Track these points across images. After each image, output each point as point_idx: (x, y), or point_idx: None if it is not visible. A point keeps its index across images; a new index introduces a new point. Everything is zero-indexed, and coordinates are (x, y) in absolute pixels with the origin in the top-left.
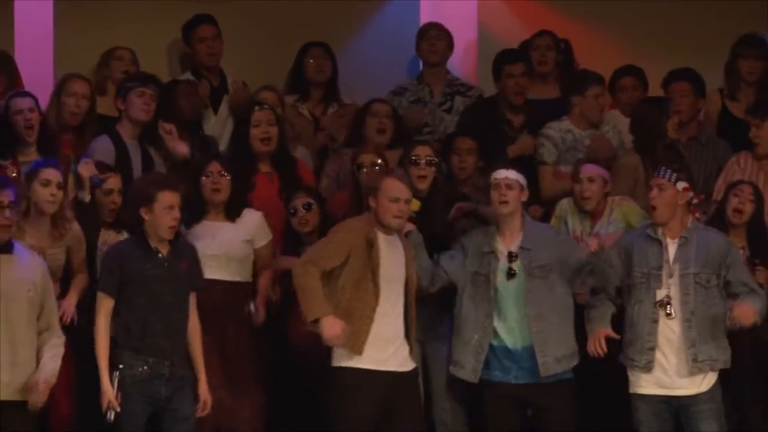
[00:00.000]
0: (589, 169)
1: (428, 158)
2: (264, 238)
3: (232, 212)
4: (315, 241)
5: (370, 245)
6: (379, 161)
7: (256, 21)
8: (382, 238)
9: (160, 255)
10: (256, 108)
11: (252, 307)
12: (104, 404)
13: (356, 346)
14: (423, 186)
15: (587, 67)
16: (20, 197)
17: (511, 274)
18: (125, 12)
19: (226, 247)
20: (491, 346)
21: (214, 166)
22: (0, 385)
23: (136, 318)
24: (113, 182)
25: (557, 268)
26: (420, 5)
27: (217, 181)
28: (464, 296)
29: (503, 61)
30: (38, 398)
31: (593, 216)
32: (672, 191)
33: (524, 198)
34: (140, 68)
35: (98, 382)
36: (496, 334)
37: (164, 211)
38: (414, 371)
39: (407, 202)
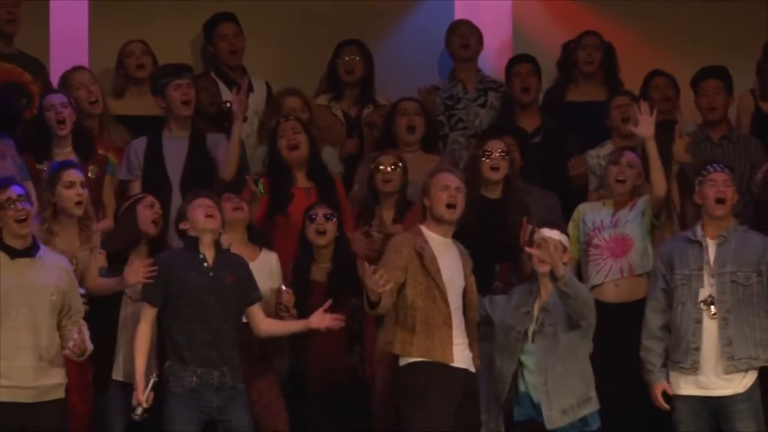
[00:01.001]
0: (631, 157)
1: (501, 151)
2: (278, 282)
3: (257, 239)
4: (327, 258)
5: (421, 256)
6: (399, 163)
7: (289, 19)
8: (437, 242)
9: (205, 264)
10: (281, 120)
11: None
12: (134, 402)
13: (446, 355)
14: (496, 177)
15: (622, 66)
16: (45, 203)
17: (534, 339)
18: (159, 11)
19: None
20: (520, 392)
21: (229, 196)
22: (24, 389)
23: (182, 328)
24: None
25: (566, 320)
26: (455, 4)
27: (238, 204)
28: (495, 345)
29: (511, 63)
30: (78, 342)
31: (615, 204)
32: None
33: (565, 260)
34: (157, 58)
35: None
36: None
37: (198, 209)
38: (476, 374)
39: (458, 190)
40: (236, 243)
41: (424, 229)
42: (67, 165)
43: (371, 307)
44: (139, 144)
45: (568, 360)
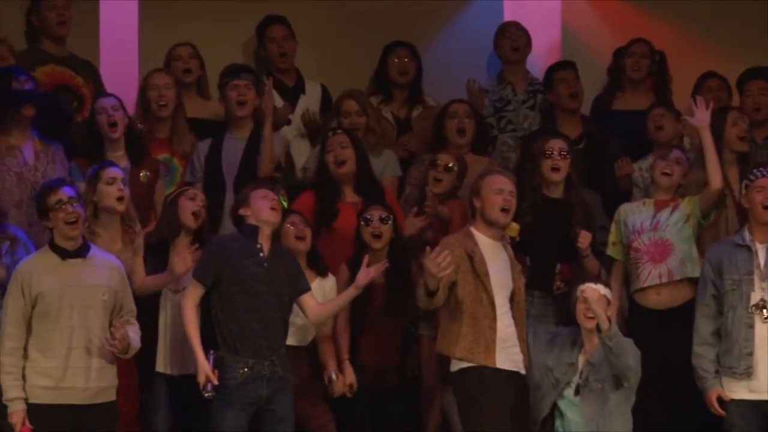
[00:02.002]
0: (680, 154)
1: (562, 151)
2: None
3: (317, 267)
4: (381, 260)
5: (471, 258)
6: (452, 165)
7: (338, 20)
8: (486, 245)
9: (261, 254)
10: (330, 134)
11: (333, 375)
12: (201, 380)
13: (489, 357)
14: (557, 178)
15: (673, 71)
16: (86, 202)
17: (577, 391)
18: (210, 12)
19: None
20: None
21: (295, 218)
22: (76, 391)
23: (234, 317)
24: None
25: (613, 377)
26: (504, 5)
27: (298, 231)
28: (529, 378)
29: (554, 69)
30: (120, 337)
31: (656, 204)
32: None
33: (610, 313)
34: (215, 66)
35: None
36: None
37: (260, 199)
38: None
39: (511, 194)
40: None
41: (474, 231)
42: (107, 164)
43: (429, 295)
44: (203, 146)
45: (617, 419)
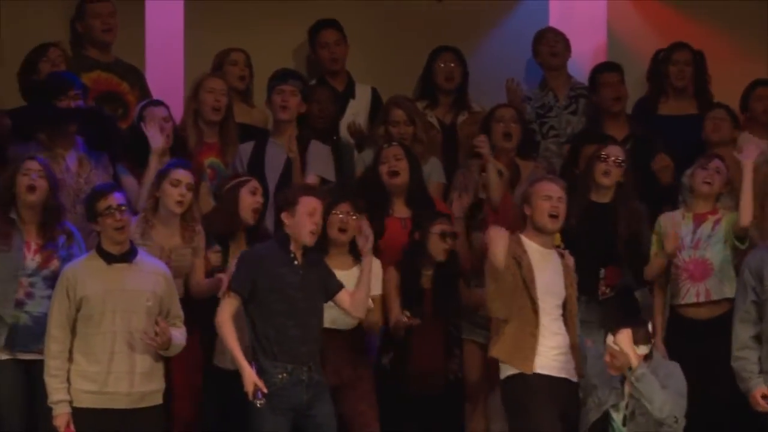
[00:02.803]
0: (720, 164)
1: (617, 158)
2: (375, 288)
3: (357, 253)
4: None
5: (518, 264)
6: (502, 170)
7: (383, 23)
8: (535, 252)
9: (296, 262)
10: (384, 146)
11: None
12: (249, 389)
13: (526, 364)
14: (607, 182)
15: (717, 74)
16: (149, 194)
17: (624, 421)
18: (254, 14)
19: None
20: None
21: (345, 207)
22: (120, 395)
23: (272, 323)
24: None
25: None
26: (549, 7)
27: (345, 221)
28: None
29: (598, 71)
30: (159, 332)
31: (695, 218)
32: None
33: (641, 352)
34: (265, 70)
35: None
36: None
37: (305, 216)
38: (577, 385)
39: (560, 200)
40: (334, 255)
41: (523, 238)
42: (179, 164)
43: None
44: (245, 148)
45: None
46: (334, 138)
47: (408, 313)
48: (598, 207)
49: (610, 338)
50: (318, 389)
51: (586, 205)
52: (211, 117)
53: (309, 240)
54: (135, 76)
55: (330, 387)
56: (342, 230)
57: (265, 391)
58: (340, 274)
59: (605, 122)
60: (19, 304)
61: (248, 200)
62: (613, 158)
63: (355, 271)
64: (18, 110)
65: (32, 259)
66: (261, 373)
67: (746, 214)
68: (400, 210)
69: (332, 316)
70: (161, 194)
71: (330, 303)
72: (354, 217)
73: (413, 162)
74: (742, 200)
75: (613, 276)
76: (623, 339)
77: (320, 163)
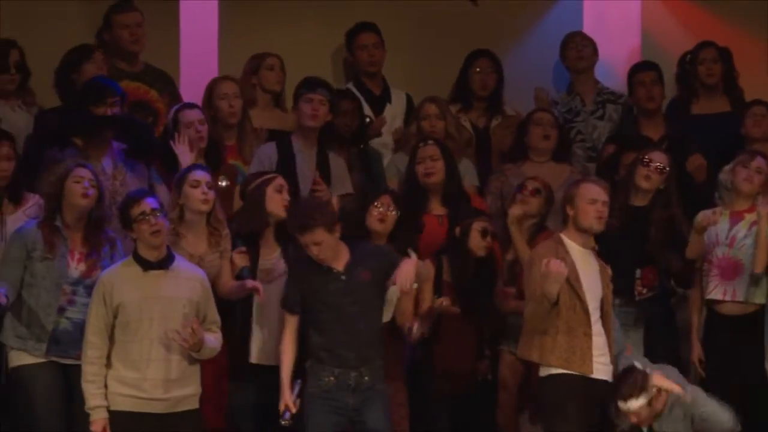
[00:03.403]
0: (761, 162)
1: (659, 165)
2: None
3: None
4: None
5: None
6: (538, 187)
7: (419, 25)
8: (576, 252)
9: (335, 270)
10: (420, 144)
11: (415, 327)
12: (281, 407)
13: (584, 365)
14: (646, 186)
15: (750, 73)
16: (172, 205)
17: None
18: (288, 16)
19: (390, 293)
20: None
21: (386, 200)
22: (156, 401)
23: (320, 331)
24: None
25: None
26: (583, 11)
27: (384, 214)
28: None
29: (634, 71)
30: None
31: (731, 216)
32: None
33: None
34: (299, 73)
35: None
36: None
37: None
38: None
39: (604, 204)
40: None
41: (564, 237)
42: (193, 167)
43: (554, 304)
44: (270, 150)
45: None
46: (361, 146)
47: (445, 300)
48: (635, 210)
49: (631, 403)
50: (369, 394)
51: (624, 208)
52: (228, 121)
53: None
54: (164, 82)
55: None
56: (381, 221)
57: (294, 411)
58: None
59: (641, 122)
60: (60, 310)
61: (275, 198)
62: (655, 164)
63: None
64: (55, 112)
65: (76, 268)
66: (311, 374)
67: (761, 263)
68: (437, 207)
69: None
70: (184, 199)
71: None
72: (393, 211)
73: (449, 160)
74: (758, 249)
75: (650, 276)
76: (659, 379)
77: (339, 183)
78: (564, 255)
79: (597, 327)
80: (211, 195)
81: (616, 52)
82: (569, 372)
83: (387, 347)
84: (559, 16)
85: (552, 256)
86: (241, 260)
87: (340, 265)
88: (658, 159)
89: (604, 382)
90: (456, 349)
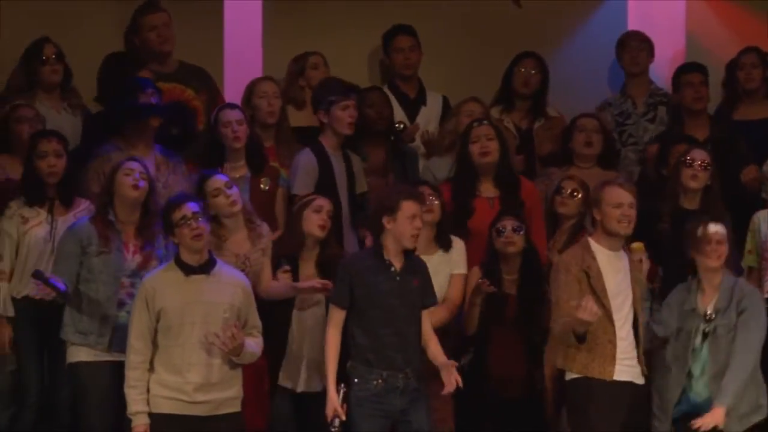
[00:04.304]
0: None
1: (703, 162)
2: (459, 267)
3: (443, 241)
4: (515, 269)
5: (587, 274)
6: (576, 188)
7: (461, 27)
8: (604, 256)
9: (392, 269)
10: (475, 124)
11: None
12: (329, 413)
13: (605, 371)
14: (695, 185)
15: None
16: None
17: (705, 336)
18: (330, 17)
19: (438, 285)
20: (686, 399)
21: (426, 190)
22: (198, 404)
23: (368, 331)
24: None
25: (739, 320)
26: (628, 14)
27: (427, 204)
28: (668, 351)
29: (681, 71)
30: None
31: None
32: None
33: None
34: (337, 75)
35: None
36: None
37: (407, 220)
38: (644, 387)
39: (631, 206)
40: (421, 241)
41: (592, 242)
42: (205, 175)
43: (580, 341)
44: (309, 157)
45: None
46: (392, 138)
47: (488, 282)
48: (687, 213)
49: (707, 229)
50: (415, 396)
51: (677, 211)
52: (267, 120)
53: (411, 243)
54: (200, 79)
55: None
56: (427, 212)
57: (344, 419)
58: (424, 258)
59: (686, 123)
60: (120, 304)
61: (312, 218)
62: (698, 162)
63: (437, 257)
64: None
65: (132, 260)
66: (357, 376)
67: None
68: (488, 190)
69: None
70: (213, 209)
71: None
72: (435, 201)
73: (503, 142)
74: None
75: None
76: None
77: (359, 181)
78: (590, 262)
79: (623, 331)
80: (236, 194)
81: (661, 54)
82: (590, 376)
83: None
84: (603, 18)
85: (578, 265)
86: (285, 279)
87: (398, 265)
88: (700, 157)
89: (630, 383)
90: (505, 354)
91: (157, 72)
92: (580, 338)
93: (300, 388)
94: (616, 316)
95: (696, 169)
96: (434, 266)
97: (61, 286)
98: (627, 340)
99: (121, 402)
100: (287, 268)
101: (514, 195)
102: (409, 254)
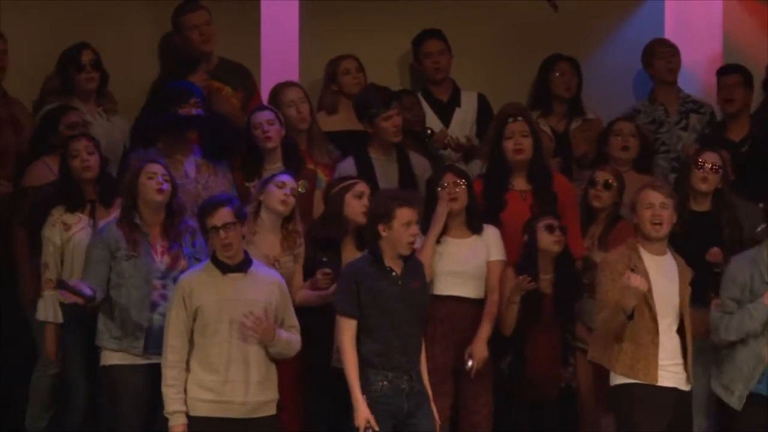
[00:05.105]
0: None
1: (714, 165)
2: (497, 254)
3: (474, 225)
4: (549, 268)
5: (633, 272)
6: (610, 179)
7: (496, 30)
8: (649, 260)
9: (394, 273)
10: (509, 120)
11: (469, 364)
12: (360, 423)
13: (649, 374)
14: (705, 188)
15: None
16: (254, 199)
17: None
18: (369, 24)
19: (470, 266)
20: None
21: (449, 177)
22: (235, 405)
23: (374, 335)
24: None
25: None
26: (665, 18)
27: (452, 191)
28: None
29: (719, 73)
30: (258, 326)
31: None
32: None
33: None
34: (373, 77)
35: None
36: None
37: (402, 227)
38: (690, 394)
39: (663, 206)
40: (452, 227)
41: (638, 245)
42: (282, 172)
43: (629, 317)
44: (347, 165)
45: None
46: (426, 140)
47: (529, 278)
48: (697, 216)
49: None
50: (419, 398)
51: (685, 214)
52: (299, 127)
53: (406, 250)
54: (239, 76)
55: (449, 368)
56: (454, 200)
57: (377, 428)
58: (456, 242)
59: (726, 123)
60: (153, 306)
61: (354, 204)
62: (709, 165)
63: (470, 240)
64: (140, 117)
65: (161, 262)
66: (363, 381)
67: None
68: (520, 184)
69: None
70: (265, 196)
71: (469, 270)
72: (462, 185)
73: (537, 139)
74: None
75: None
76: None
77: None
78: (636, 262)
79: (668, 335)
80: (292, 200)
81: (698, 58)
82: (635, 381)
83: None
84: (640, 21)
85: (624, 264)
86: (323, 282)
87: (398, 269)
88: (711, 159)
89: (674, 389)
90: (542, 355)
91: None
92: (629, 316)
93: None
94: (661, 318)
95: (707, 171)
96: (468, 249)
97: (87, 291)
98: (672, 345)
99: (155, 403)
100: (327, 271)
101: (546, 188)
102: (407, 257)
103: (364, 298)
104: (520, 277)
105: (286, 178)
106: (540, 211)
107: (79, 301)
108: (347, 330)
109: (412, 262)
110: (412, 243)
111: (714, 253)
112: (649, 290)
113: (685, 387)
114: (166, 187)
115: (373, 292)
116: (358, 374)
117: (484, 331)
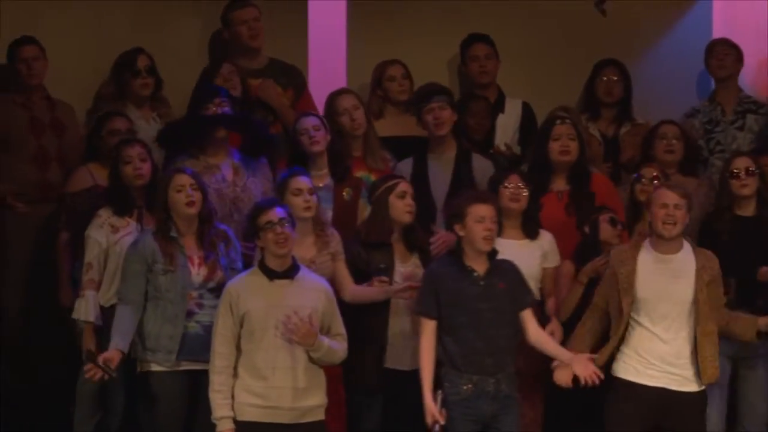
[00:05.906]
0: None
1: (748, 168)
2: (553, 260)
3: (529, 229)
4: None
5: (615, 275)
6: (656, 174)
7: (545, 35)
8: (652, 257)
9: (475, 273)
10: (557, 122)
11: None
12: (429, 421)
13: (641, 375)
14: (747, 192)
15: None
16: None
17: None
18: (416, 29)
19: (525, 268)
20: None
21: (514, 178)
22: (283, 410)
23: (456, 336)
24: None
25: None
26: (713, 21)
27: (516, 192)
28: None
29: None
30: (299, 328)
31: None
32: None
33: None
34: (420, 81)
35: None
36: None
37: (476, 224)
38: (698, 394)
39: (677, 207)
40: (507, 228)
41: (646, 243)
42: (294, 172)
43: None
44: (405, 167)
45: None
46: (490, 151)
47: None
48: (744, 221)
49: None
50: (506, 402)
51: (732, 220)
52: (354, 133)
53: (485, 246)
54: (289, 76)
55: None
56: (515, 200)
57: (443, 423)
58: (511, 244)
59: None
60: (189, 315)
61: (398, 204)
62: (743, 170)
63: (525, 243)
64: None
65: (198, 274)
66: (447, 381)
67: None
68: (559, 184)
69: None
70: (287, 204)
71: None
72: (524, 189)
73: (582, 143)
74: None
75: None
76: None
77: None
78: (629, 261)
79: (668, 334)
80: (313, 201)
81: (748, 61)
82: (622, 378)
83: (528, 355)
84: (688, 28)
85: (619, 262)
86: (402, 294)
87: (481, 269)
88: (744, 164)
89: (663, 390)
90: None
91: (246, 68)
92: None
93: (404, 365)
94: (649, 318)
95: (742, 178)
96: (520, 252)
97: (114, 365)
98: (666, 345)
99: (194, 409)
100: (384, 279)
101: (584, 188)
102: (493, 258)
103: (443, 297)
104: (597, 259)
105: (302, 182)
106: (575, 211)
107: (105, 376)
108: (426, 329)
109: (500, 263)
110: (490, 238)
111: (764, 273)
112: (629, 290)
113: (678, 387)
114: (196, 197)
115: (452, 292)
116: (433, 375)
117: (563, 354)
